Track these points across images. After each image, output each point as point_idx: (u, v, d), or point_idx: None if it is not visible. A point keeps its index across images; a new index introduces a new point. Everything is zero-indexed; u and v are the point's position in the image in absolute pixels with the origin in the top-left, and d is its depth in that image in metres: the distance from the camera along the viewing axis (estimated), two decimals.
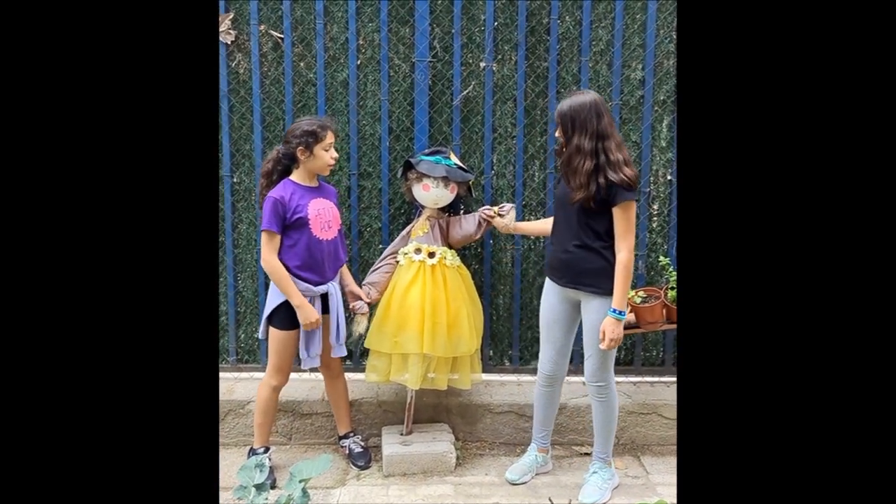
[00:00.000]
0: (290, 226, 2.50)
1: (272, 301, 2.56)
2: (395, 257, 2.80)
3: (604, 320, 2.35)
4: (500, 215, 2.74)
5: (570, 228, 2.40)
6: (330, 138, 2.52)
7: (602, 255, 2.36)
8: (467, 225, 2.80)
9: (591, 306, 2.41)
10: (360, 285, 2.78)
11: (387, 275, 2.79)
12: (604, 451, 2.57)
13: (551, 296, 2.55)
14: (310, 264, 2.53)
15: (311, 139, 2.48)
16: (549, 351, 2.58)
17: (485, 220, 2.76)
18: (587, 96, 2.33)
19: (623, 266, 2.31)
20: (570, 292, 2.47)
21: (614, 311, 2.33)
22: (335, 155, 2.56)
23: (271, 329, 2.58)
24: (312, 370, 2.76)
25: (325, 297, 2.60)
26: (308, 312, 2.51)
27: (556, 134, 2.40)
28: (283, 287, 2.49)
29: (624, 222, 2.31)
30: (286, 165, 2.58)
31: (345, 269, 2.73)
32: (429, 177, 2.68)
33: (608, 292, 2.35)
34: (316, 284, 2.55)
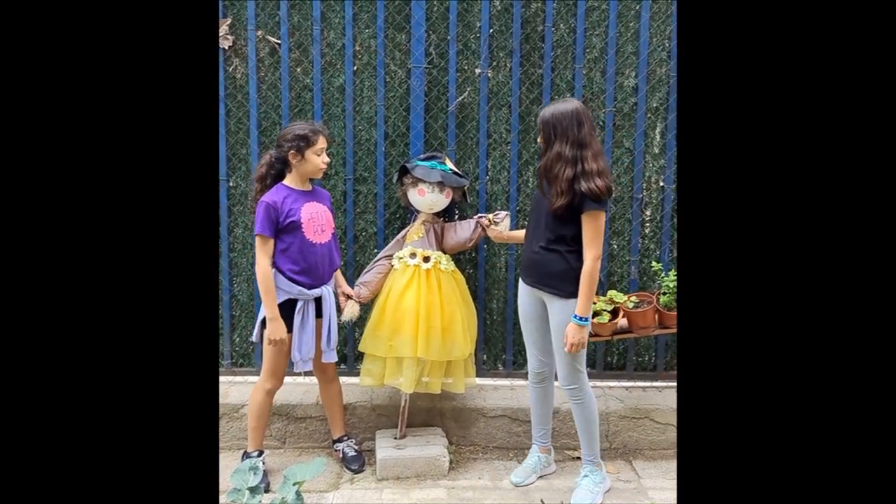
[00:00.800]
0: (283, 229, 2.51)
1: None
2: (388, 259, 2.82)
3: (567, 325, 2.38)
4: (494, 223, 2.75)
5: (539, 230, 2.45)
6: (322, 143, 2.54)
7: (565, 258, 2.39)
8: (462, 231, 2.81)
9: (555, 308, 2.45)
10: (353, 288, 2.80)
11: (379, 275, 2.80)
12: (591, 452, 2.58)
13: (523, 295, 2.60)
14: (304, 268, 2.54)
15: (303, 143, 2.50)
16: (532, 349, 2.64)
17: (480, 226, 2.78)
18: (570, 104, 2.35)
19: (587, 274, 2.34)
20: (537, 292, 2.51)
21: (576, 317, 2.36)
22: (327, 159, 2.58)
23: (265, 332, 2.59)
24: (307, 374, 2.77)
25: (318, 301, 2.61)
26: (277, 329, 2.50)
27: (538, 140, 2.43)
28: (264, 296, 2.49)
29: (591, 231, 2.34)
30: (279, 170, 2.59)
31: (338, 273, 2.74)
32: (424, 181, 2.69)
33: (569, 295, 2.39)
34: (310, 288, 2.56)
